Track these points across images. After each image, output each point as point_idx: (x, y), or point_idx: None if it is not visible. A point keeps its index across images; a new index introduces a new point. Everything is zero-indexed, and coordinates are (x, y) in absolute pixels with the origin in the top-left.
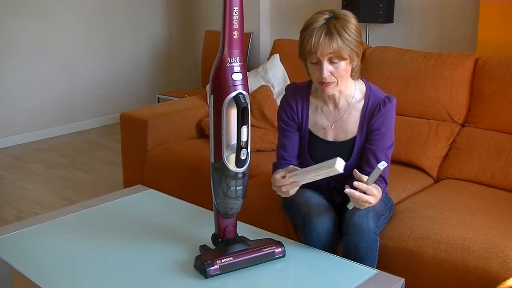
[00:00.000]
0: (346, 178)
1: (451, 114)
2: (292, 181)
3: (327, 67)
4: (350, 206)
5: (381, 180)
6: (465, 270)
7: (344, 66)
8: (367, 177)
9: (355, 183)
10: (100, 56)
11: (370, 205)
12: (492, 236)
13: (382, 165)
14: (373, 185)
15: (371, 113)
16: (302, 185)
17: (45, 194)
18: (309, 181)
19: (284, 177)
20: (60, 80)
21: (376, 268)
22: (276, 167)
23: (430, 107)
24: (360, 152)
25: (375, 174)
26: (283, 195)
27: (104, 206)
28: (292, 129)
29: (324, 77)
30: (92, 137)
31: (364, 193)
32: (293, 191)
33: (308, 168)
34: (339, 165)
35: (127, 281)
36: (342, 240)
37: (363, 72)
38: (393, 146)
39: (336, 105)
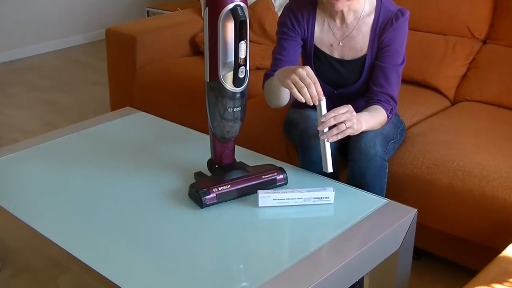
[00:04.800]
0: (355, 99)
1: (471, 29)
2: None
3: None
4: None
5: (388, 100)
6: (483, 201)
7: None
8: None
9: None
10: None
11: (350, 117)
12: None
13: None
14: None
15: (382, 29)
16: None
17: (27, 119)
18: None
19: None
20: None
21: (385, 197)
22: (268, 76)
23: (448, 21)
24: (371, 71)
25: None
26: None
27: (90, 131)
28: (295, 36)
29: None
30: (75, 56)
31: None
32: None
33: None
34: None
35: (116, 212)
36: (348, 166)
37: None
38: (405, 63)
39: (343, 21)
